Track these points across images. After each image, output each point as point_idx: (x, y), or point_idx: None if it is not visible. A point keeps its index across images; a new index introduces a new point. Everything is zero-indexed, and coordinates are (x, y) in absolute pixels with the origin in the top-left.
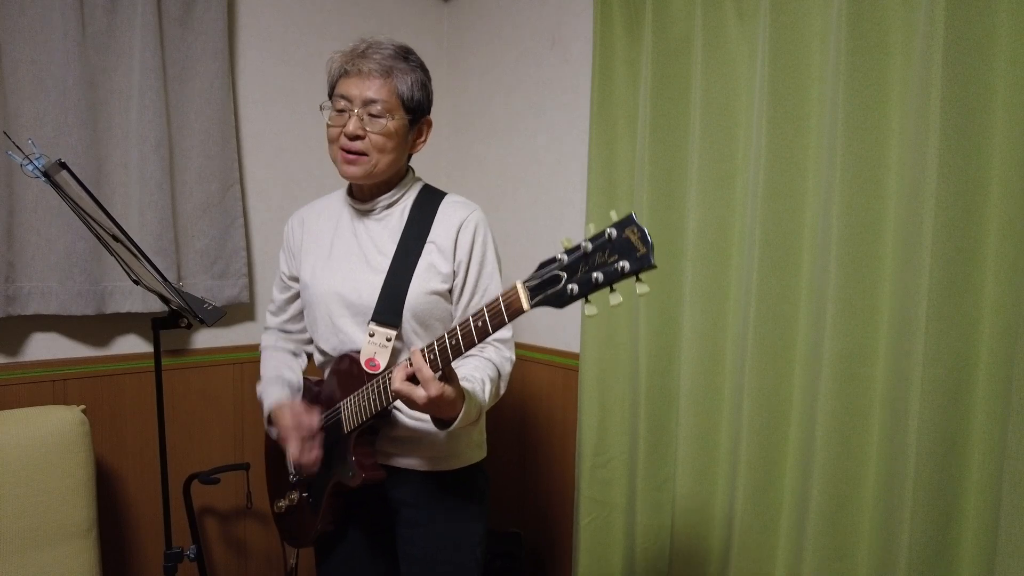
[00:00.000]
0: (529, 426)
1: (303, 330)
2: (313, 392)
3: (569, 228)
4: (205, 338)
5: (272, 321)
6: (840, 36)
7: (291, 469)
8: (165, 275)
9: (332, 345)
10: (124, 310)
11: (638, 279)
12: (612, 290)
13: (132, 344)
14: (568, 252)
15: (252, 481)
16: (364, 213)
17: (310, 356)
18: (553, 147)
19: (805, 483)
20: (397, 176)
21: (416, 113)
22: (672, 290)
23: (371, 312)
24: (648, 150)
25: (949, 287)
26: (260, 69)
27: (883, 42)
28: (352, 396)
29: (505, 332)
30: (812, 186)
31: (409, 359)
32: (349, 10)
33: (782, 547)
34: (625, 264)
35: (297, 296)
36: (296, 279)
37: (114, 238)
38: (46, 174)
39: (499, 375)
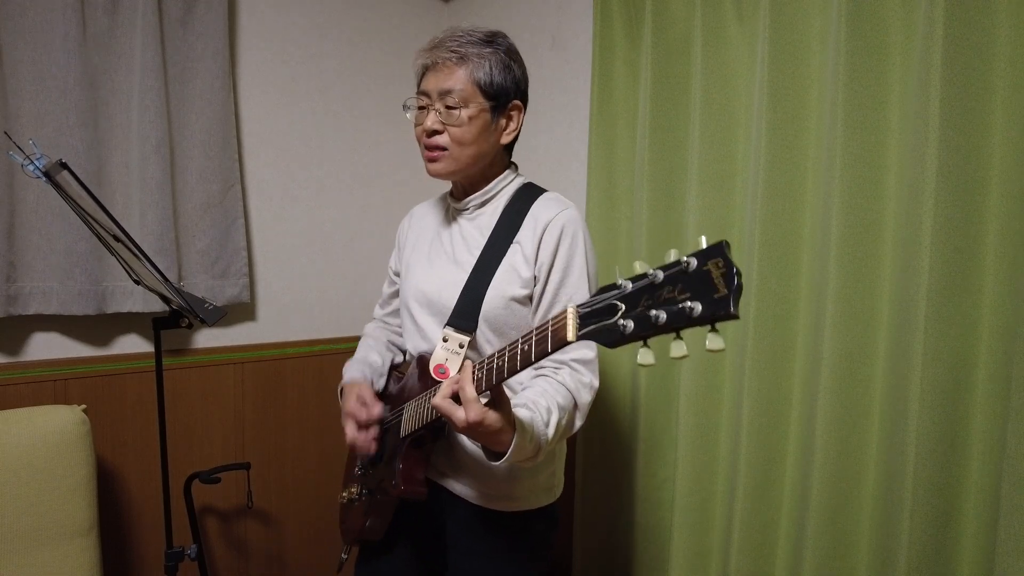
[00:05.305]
0: None
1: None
2: (393, 386)
3: None
4: (206, 338)
5: (377, 312)
6: (840, 36)
7: (357, 462)
8: (166, 275)
9: (414, 344)
10: (125, 310)
11: (712, 328)
12: (678, 336)
13: (133, 344)
14: (633, 279)
15: (253, 480)
16: (458, 212)
17: (405, 352)
18: (553, 147)
19: (805, 483)
20: (491, 171)
21: (500, 99)
22: None
23: (450, 314)
24: (648, 150)
25: (948, 287)
26: (260, 69)
27: (883, 42)
28: (415, 400)
29: (587, 351)
30: (812, 186)
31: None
32: (349, 10)
33: (782, 546)
34: (696, 306)
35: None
36: (399, 274)
37: (115, 238)
38: (47, 174)
39: (574, 404)
